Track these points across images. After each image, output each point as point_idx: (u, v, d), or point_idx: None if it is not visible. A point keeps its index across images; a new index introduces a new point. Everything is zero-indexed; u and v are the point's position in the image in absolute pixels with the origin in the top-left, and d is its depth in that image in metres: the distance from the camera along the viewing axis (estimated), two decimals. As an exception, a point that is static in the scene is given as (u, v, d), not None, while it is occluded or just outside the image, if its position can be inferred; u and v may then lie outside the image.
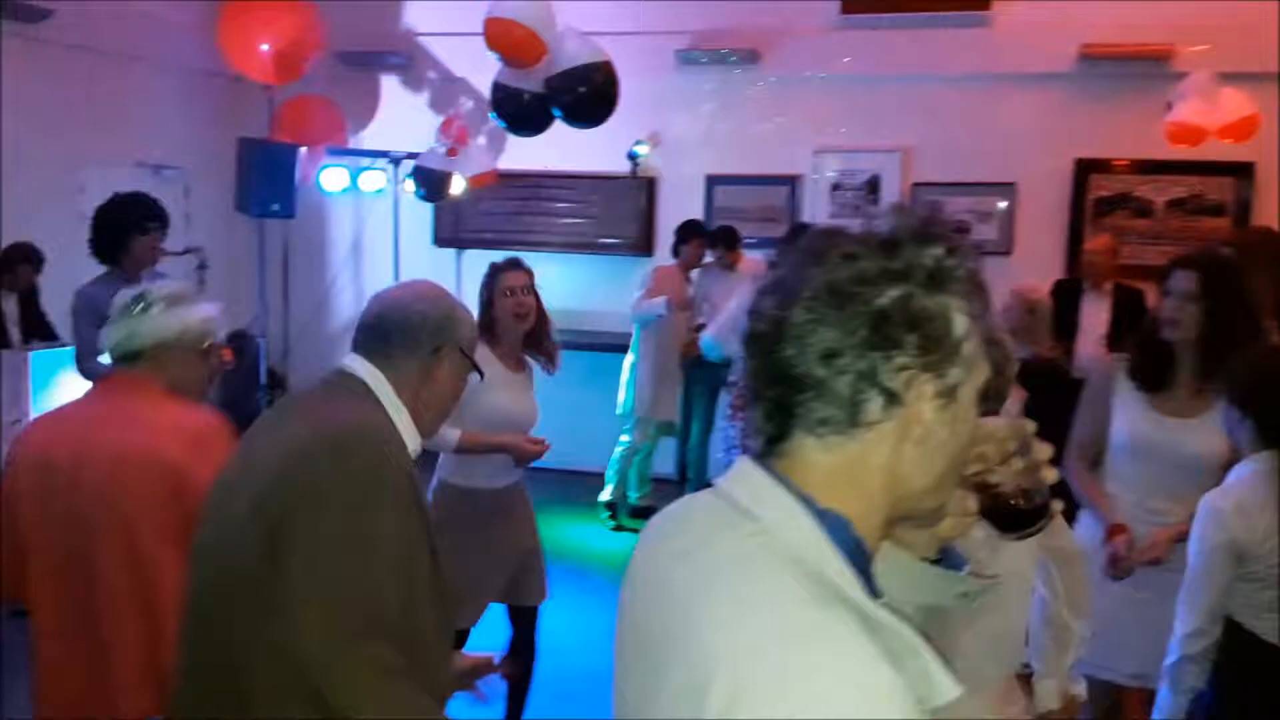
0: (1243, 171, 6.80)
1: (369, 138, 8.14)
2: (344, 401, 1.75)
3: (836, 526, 1.03)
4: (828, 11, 7.27)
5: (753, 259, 6.67)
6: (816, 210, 7.49)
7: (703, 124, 7.61)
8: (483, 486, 3.48)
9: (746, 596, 0.98)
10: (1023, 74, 7.02)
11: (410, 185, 7.23)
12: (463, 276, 8.17)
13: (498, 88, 5.41)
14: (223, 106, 8.04)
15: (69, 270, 6.04)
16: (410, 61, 8.18)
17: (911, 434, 1.05)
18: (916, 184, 7.37)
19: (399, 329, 1.81)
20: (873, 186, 7.43)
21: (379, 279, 8.19)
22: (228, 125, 7.84)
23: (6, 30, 6.35)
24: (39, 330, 5.95)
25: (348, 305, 8.54)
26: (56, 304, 5.92)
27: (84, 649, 2.40)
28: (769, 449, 1.09)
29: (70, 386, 5.34)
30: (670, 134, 7.69)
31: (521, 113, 5.37)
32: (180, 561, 2.12)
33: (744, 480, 1.09)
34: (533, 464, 6.72)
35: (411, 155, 7.25)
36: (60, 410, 2.64)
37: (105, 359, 2.47)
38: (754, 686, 0.92)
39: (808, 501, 1.04)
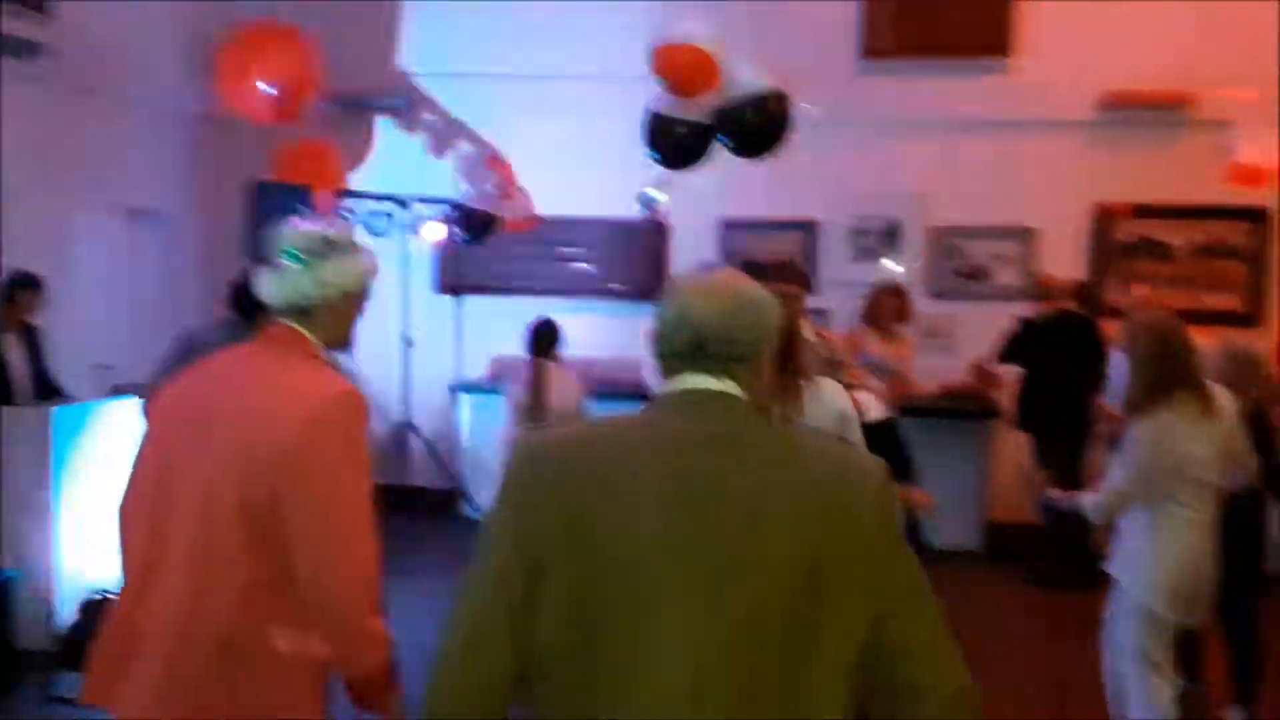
0: (1257, 216, 6.92)
1: (363, 181, 7.84)
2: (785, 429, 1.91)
3: None
4: (846, 56, 7.23)
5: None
6: (835, 255, 7.41)
7: (715, 168, 7.45)
8: None
9: None
10: (1043, 120, 7.05)
11: (439, 228, 6.94)
12: (464, 322, 7.91)
13: (655, 117, 5.10)
14: (214, 150, 7.66)
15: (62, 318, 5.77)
16: (408, 103, 7.92)
17: None
18: (935, 228, 7.35)
19: (731, 339, 1.65)
20: (892, 232, 7.38)
21: (383, 323, 7.88)
22: (219, 169, 7.49)
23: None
24: (43, 383, 5.55)
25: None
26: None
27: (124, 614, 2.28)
28: None
29: (96, 447, 4.98)
30: (682, 179, 7.52)
31: (677, 145, 5.08)
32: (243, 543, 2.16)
33: None
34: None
35: (428, 199, 6.98)
36: (210, 366, 2.43)
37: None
38: None
39: None
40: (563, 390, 5.76)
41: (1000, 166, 7.12)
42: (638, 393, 6.94)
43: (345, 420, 2.24)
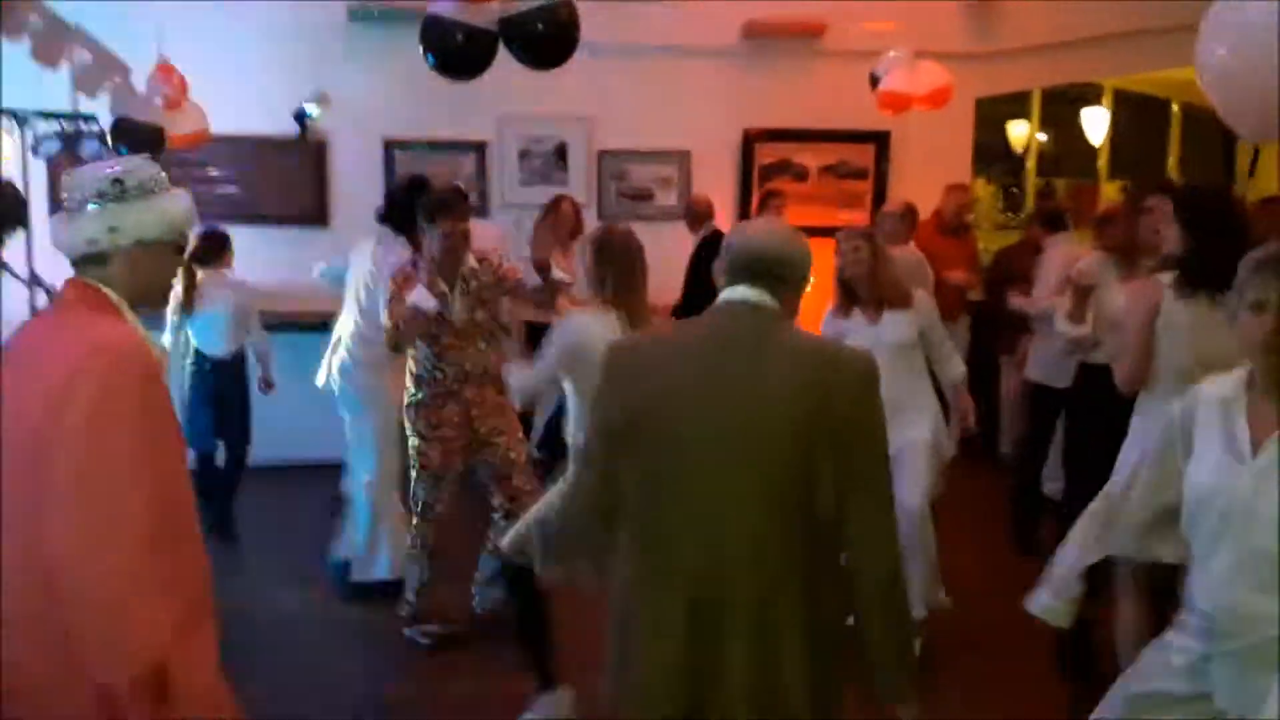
0: (881, 139, 7.72)
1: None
2: (798, 331, 2.25)
3: None
4: (510, -23, 7.13)
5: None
6: (505, 177, 7.39)
7: (377, 85, 7.12)
8: None
9: None
10: (695, 48, 7.39)
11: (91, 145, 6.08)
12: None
13: (433, 21, 4.69)
14: None
15: None
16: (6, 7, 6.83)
17: None
18: (601, 152, 7.52)
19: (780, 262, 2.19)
20: (560, 154, 7.45)
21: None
22: None
23: None
24: None
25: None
26: None
27: None
28: None
29: None
30: (341, 94, 7.13)
31: (456, 52, 4.73)
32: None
33: None
34: (254, 460, 5.97)
35: (51, 115, 6.09)
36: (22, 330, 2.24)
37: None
38: None
39: None
40: (226, 299, 5.78)
41: (660, 92, 7.39)
42: (297, 321, 6.59)
43: (107, 370, 1.95)
